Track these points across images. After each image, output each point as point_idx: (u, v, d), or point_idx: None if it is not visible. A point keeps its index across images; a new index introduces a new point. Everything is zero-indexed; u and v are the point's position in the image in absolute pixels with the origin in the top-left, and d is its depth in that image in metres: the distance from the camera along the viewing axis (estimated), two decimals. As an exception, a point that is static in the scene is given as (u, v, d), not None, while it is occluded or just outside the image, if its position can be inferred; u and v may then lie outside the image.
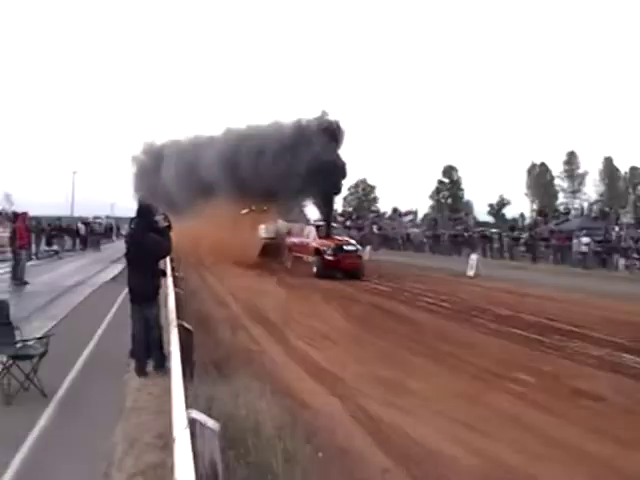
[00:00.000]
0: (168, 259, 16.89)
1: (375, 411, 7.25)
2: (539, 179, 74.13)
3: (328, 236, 26.74)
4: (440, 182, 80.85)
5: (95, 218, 55.40)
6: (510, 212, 72.87)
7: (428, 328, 13.39)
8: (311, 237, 27.06)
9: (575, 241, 32.18)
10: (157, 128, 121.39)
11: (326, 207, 29.57)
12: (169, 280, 12.43)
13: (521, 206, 66.99)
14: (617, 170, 71.62)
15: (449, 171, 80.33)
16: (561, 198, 73.09)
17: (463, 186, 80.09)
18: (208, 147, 35.86)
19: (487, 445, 6.20)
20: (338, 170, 28.87)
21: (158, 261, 9.13)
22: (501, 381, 8.93)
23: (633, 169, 71.25)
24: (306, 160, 27.95)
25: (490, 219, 70.72)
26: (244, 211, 33.61)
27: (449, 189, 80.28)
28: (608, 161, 71.45)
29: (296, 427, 6.07)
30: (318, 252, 25.51)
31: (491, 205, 76.91)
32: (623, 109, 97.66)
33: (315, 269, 25.34)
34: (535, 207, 68.63)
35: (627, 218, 38.55)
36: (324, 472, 5.15)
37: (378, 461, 5.69)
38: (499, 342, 11.90)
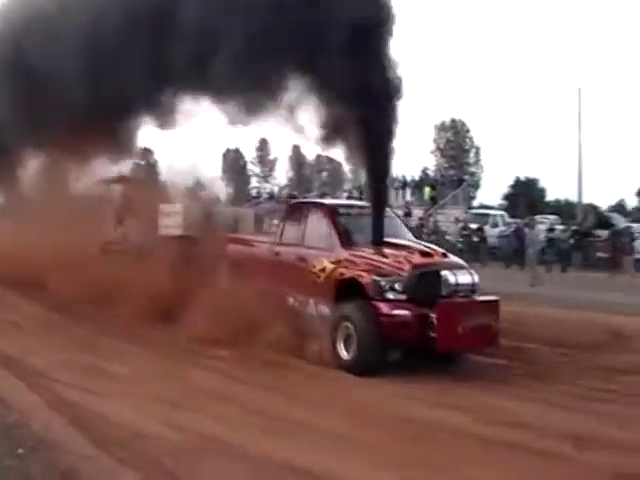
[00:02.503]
0: None
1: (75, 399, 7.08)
2: (234, 164, 76.85)
3: (380, 242, 9.35)
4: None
5: None
6: (203, 195, 74.43)
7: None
8: (325, 243, 9.57)
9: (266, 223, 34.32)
10: None
11: (371, 161, 10.10)
12: None
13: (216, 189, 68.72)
14: (304, 157, 77.32)
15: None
16: (254, 182, 76.60)
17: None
18: None
19: (191, 420, 6.42)
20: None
21: None
22: (202, 359, 9.31)
23: (319, 157, 77.52)
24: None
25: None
26: (105, 178, 15.72)
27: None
28: (296, 149, 76.71)
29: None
30: (348, 289, 8.77)
31: (190, 189, 77.64)
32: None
33: (339, 350, 8.67)
34: (230, 190, 70.99)
35: (311, 201, 42.05)
36: (25, 467, 4.90)
37: (82, 449, 5.54)
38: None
